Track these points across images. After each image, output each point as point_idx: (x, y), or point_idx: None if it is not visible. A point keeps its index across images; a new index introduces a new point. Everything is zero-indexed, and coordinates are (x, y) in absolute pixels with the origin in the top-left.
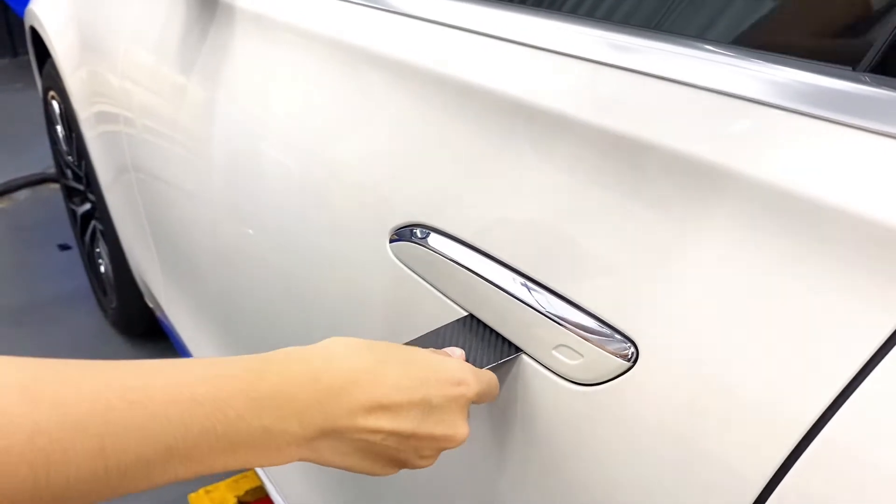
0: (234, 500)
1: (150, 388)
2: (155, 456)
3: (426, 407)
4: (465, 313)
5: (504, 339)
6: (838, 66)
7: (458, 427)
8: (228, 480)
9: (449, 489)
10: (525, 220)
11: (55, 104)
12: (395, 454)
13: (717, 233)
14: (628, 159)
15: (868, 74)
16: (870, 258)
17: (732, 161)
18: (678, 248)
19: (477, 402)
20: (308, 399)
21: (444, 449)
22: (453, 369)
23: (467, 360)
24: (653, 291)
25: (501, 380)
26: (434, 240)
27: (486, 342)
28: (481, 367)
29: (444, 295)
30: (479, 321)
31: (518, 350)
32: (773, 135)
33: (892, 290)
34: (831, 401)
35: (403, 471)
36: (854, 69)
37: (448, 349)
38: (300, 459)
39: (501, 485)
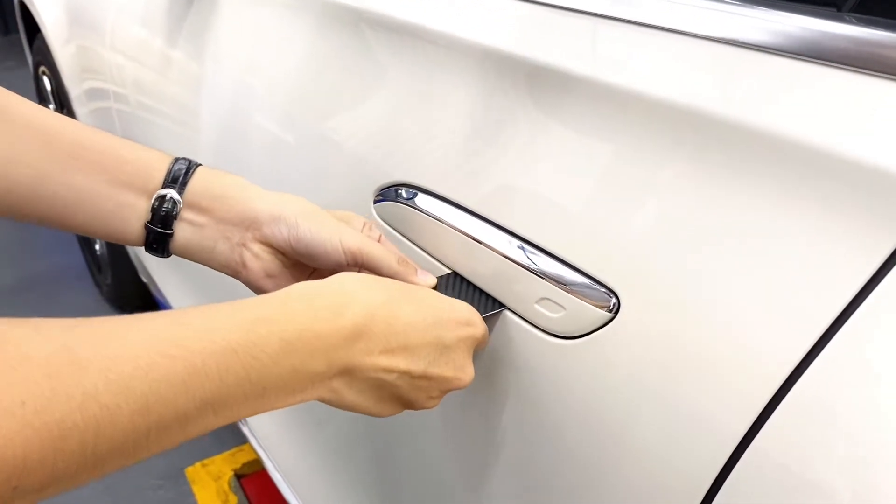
0: (231, 473)
1: (188, 340)
2: (193, 410)
3: (439, 347)
4: (449, 271)
5: (486, 294)
6: (824, 7)
7: (466, 368)
8: (225, 454)
9: (432, 446)
10: (510, 177)
11: (46, 81)
12: (405, 393)
13: (699, 181)
14: (611, 109)
15: (853, 15)
16: (852, 200)
17: (717, 105)
18: (660, 197)
19: (476, 347)
20: (333, 336)
21: (451, 390)
22: (463, 309)
23: None
24: (635, 241)
25: None
26: (418, 199)
27: (469, 298)
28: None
29: (428, 254)
30: (461, 278)
31: (502, 305)
32: (759, 78)
33: (874, 234)
34: (808, 350)
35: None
36: (839, 10)
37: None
38: (318, 399)
39: (485, 441)
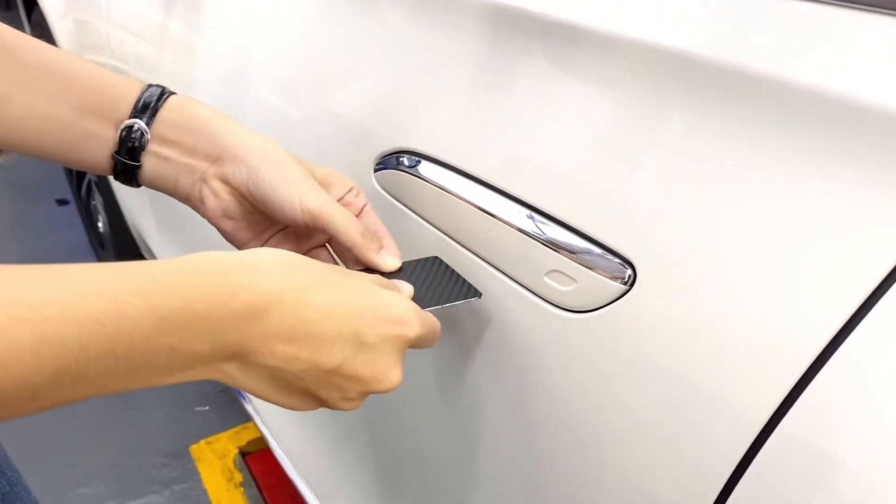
0: (236, 450)
1: (45, 304)
2: (43, 381)
3: (356, 343)
4: (430, 256)
5: (464, 280)
6: None
7: (389, 370)
8: (230, 431)
9: (435, 426)
10: (518, 142)
11: None
12: (315, 390)
13: (723, 140)
14: (624, 67)
15: None
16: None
17: (736, 57)
18: (680, 160)
19: (414, 347)
20: (222, 318)
21: (372, 392)
22: (394, 305)
23: (415, 299)
24: (652, 208)
25: (449, 322)
26: (420, 166)
27: (445, 283)
28: (426, 308)
29: (431, 224)
30: (441, 263)
31: (478, 292)
32: (777, 25)
33: None
34: (840, 327)
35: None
36: None
37: (397, 282)
38: (207, 378)
39: (490, 421)
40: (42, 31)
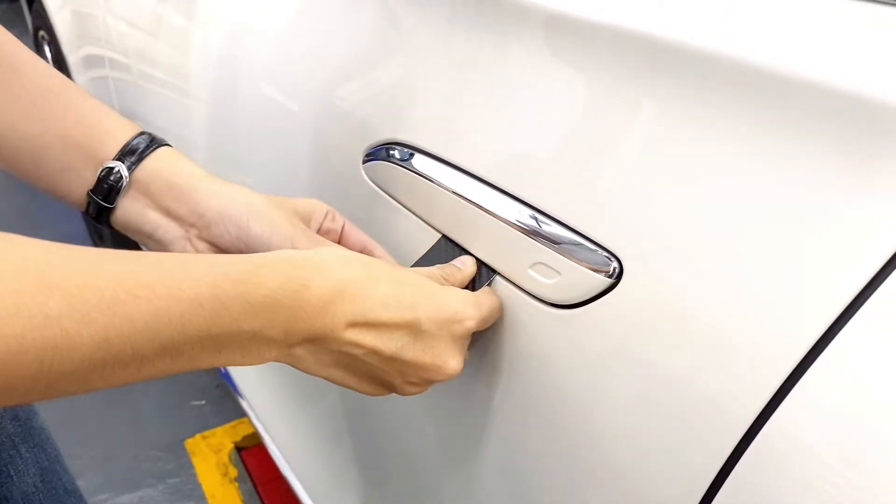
0: (232, 445)
1: (156, 283)
2: (150, 351)
3: (414, 331)
4: (436, 234)
5: (478, 261)
6: None
7: (447, 358)
8: (226, 426)
9: (423, 424)
10: (505, 132)
11: (46, 47)
12: (380, 374)
13: (707, 135)
14: (615, 56)
15: None
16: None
17: (728, 47)
18: (668, 150)
19: (479, 329)
20: (295, 307)
21: (433, 380)
22: (450, 298)
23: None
24: (638, 199)
25: None
26: (406, 158)
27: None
28: (485, 282)
29: (418, 216)
30: (452, 245)
31: (493, 271)
32: (780, 12)
33: None
34: (833, 320)
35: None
36: None
37: (459, 259)
38: (279, 361)
39: (475, 418)
40: (42, 22)
